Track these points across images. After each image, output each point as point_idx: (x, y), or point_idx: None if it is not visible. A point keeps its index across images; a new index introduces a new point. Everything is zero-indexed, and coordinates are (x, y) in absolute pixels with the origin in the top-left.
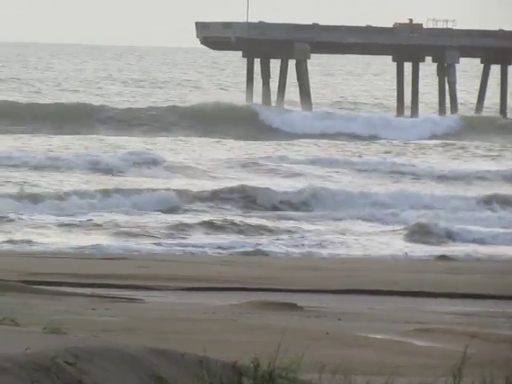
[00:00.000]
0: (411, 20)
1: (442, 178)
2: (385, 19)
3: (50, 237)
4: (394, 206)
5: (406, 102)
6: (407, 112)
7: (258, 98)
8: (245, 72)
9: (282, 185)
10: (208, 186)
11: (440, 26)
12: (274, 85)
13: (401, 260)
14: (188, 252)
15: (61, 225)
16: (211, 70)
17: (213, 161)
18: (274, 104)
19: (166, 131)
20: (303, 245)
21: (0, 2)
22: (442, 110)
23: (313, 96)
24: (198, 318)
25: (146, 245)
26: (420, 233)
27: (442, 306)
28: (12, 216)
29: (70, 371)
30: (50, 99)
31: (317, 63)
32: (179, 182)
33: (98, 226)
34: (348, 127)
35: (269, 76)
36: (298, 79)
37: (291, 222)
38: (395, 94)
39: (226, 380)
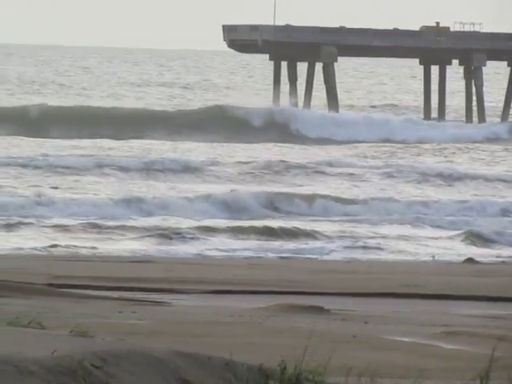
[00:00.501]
0: (438, 23)
1: (483, 181)
2: (412, 22)
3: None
4: (440, 212)
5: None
6: (434, 114)
7: (284, 100)
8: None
9: (303, 187)
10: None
11: (467, 29)
12: (300, 87)
13: (428, 263)
14: (215, 255)
15: (93, 227)
16: (241, 73)
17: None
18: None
19: (213, 135)
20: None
21: (24, 6)
22: (468, 112)
23: (346, 98)
24: (225, 321)
25: (173, 247)
26: (468, 238)
27: (468, 309)
28: (36, 219)
29: (96, 374)
30: (97, 102)
31: (349, 66)
32: (208, 187)
33: (130, 229)
34: (392, 131)
35: (296, 79)
36: (325, 82)
37: (329, 225)
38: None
39: (252, 383)
